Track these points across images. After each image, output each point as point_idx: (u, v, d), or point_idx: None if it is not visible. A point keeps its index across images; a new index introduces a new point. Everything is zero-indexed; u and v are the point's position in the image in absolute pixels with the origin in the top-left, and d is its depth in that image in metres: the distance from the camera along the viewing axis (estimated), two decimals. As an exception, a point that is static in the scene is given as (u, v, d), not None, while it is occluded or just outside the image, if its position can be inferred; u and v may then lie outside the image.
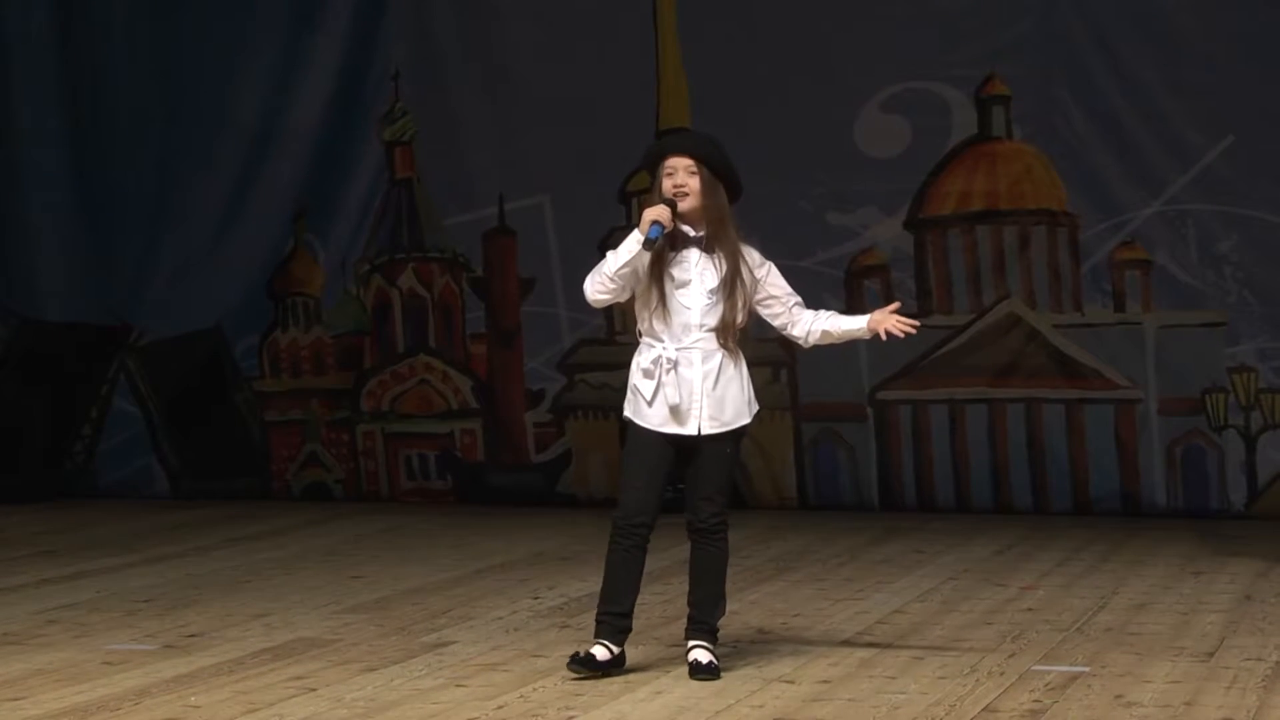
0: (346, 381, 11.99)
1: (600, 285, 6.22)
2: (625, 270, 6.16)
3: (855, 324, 6.41)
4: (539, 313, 11.17)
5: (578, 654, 6.28)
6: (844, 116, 10.80)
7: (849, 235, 10.89)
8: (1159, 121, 10.34)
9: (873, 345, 10.79)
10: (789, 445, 11.06)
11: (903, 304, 6.81)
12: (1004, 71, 10.60)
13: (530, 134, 11.29)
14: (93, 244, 12.24)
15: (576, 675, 6.21)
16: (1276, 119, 10.12)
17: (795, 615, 7.51)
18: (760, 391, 11.19)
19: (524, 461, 11.58)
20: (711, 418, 6.25)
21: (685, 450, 6.28)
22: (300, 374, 12.07)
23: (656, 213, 6.16)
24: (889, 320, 6.33)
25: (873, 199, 10.84)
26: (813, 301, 10.79)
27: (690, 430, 6.24)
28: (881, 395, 10.89)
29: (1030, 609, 7.54)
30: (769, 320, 6.45)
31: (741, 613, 7.51)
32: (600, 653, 6.26)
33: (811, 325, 6.42)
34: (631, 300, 6.30)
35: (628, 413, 6.34)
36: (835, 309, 6.57)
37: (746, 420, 6.34)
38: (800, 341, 6.47)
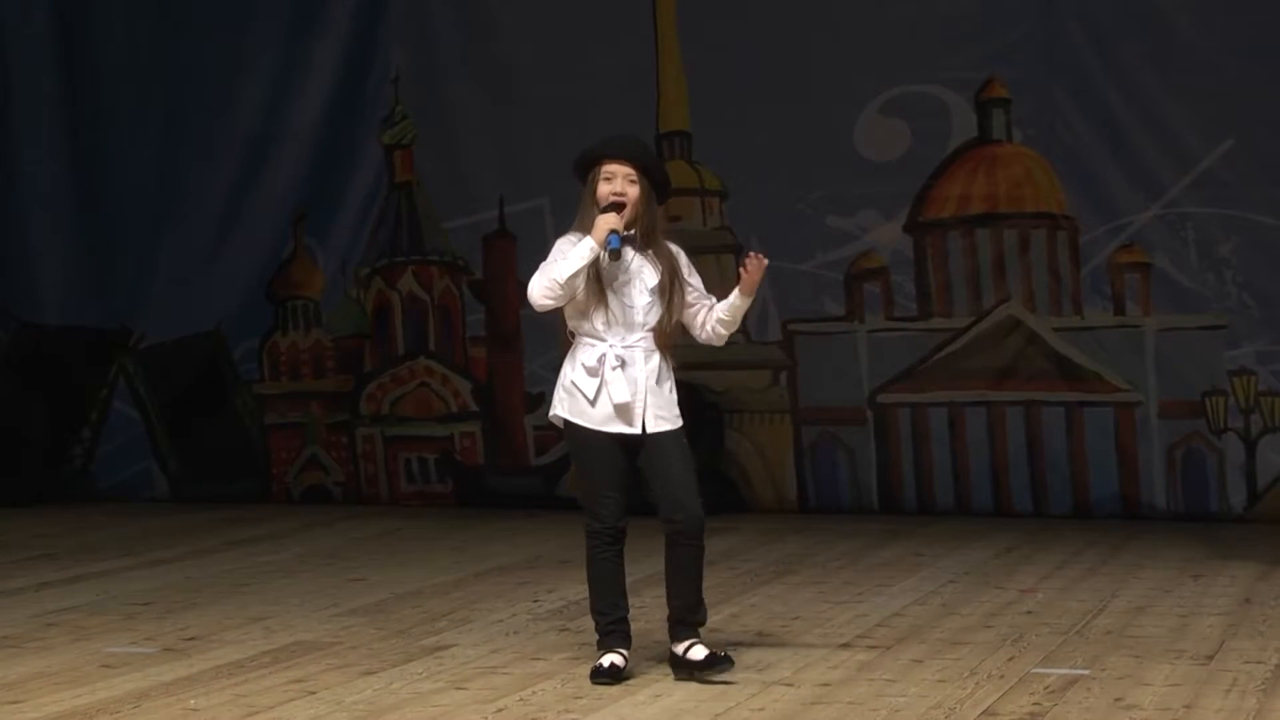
0: (346, 385, 11.98)
1: (549, 290, 6.15)
2: (577, 278, 6.13)
3: (732, 299, 6.32)
4: (539, 316, 11.04)
5: (600, 666, 6.23)
6: (843, 119, 10.80)
7: (848, 238, 10.89)
8: (1159, 124, 10.34)
9: (872, 349, 10.98)
10: (788, 448, 11.06)
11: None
12: (1004, 74, 10.59)
13: (530, 137, 11.30)
14: (92, 247, 12.23)
15: (603, 684, 6.17)
16: (1277, 122, 10.11)
17: (795, 618, 7.51)
18: (760, 395, 11.26)
19: (523, 465, 11.58)
20: (657, 416, 6.22)
21: (630, 449, 6.24)
22: (300, 377, 12.07)
23: (612, 221, 6.14)
24: (744, 278, 6.25)
25: (872, 202, 10.84)
26: (813, 306, 10.90)
27: (636, 428, 6.21)
28: (881, 398, 10.89)
29: (1030, 612, 7.54)
30: (688, 323, 6.39)
31: (741, 616, 7.51)
32: (620, 661, 6.25)
33: (713, 326, 6.38)
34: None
35: (563, 414, 6.26)
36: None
37: (681, 423, 6.31)
38: (712, 340, 6.44)
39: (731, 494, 11.07)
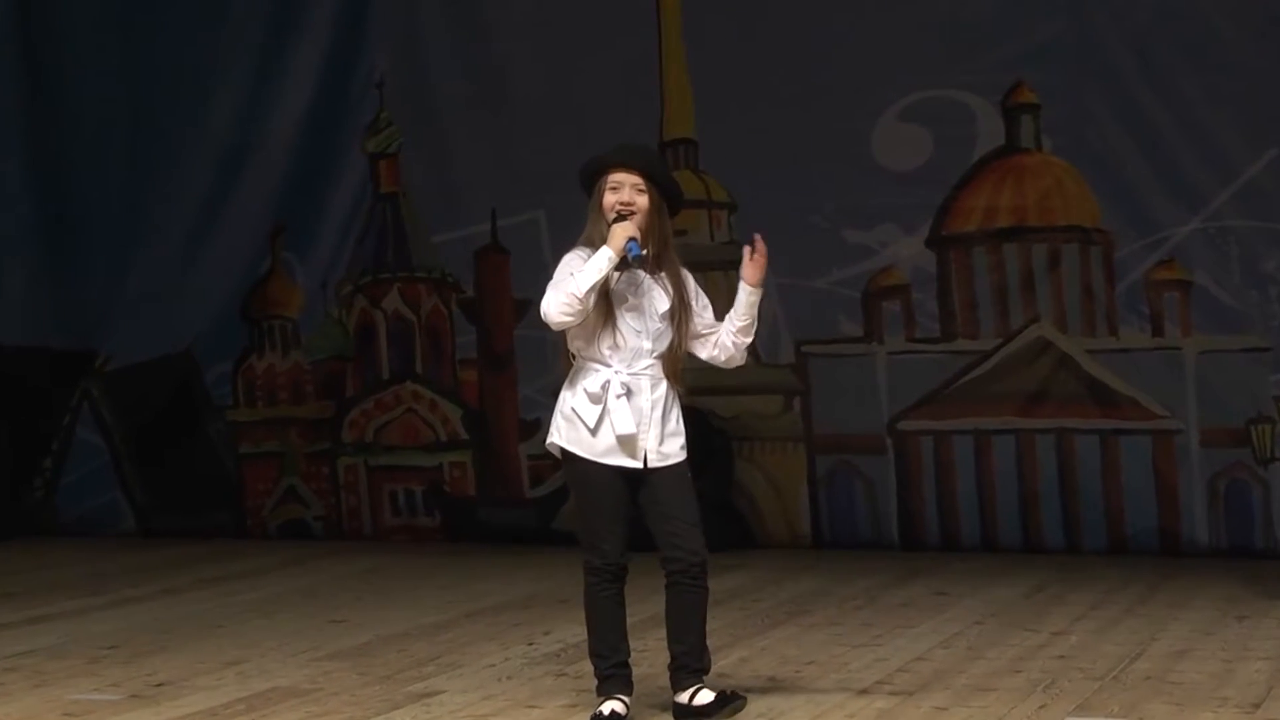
0: (327, 411, 11.99)
1: (567, 306, 6.11)
2: (594, 291, 6.10)
3: (740, 296, 6.32)
4: (534, 337, 11.15)
5: (600, 715, 6.20)
6: (860, 126, 10.80)
7: (866, 254, 10.89)
8: (1199, 131, 10.33)
9: (892, 372, 10.98)
10: (802, 479, 11.05)
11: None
12: (1032, 78, 10.60)
13: (525, 144, 11.31)
14: (55, 262, 12.25)
15: None
16: (1326, 129, 10.13)
17: (809, 663, 7.49)
18: (772, 421, 11.24)
19: (518, 497, 11.58)
20: (658, 450, 6.21)
21: (632, 482, 6.23)
22: (277, 403, 12.07)
23: (629, 229, 6.13)
24: (748, 265, 6.24)
25: (892, 215, 10.84)
26: (828, 326, 10.88)
27: (637, 462, 6.20)
28: (902, 425, 10.88)
29: (1062, 656, 7.52)
30: (698, 352, 6.39)
31: (751, 660, 7.49)
32: (621, 708, 6.23)
33: (730, 337, 6.37)
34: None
35: (561, 442, 6.25)
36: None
37: (685, 456, 6.29)
38: (729, 361, 6.42)
39: (740, 528, 11.06)
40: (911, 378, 10.84)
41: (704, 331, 6.37)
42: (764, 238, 6.35)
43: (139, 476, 12.29)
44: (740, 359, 6.46)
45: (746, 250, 6.30)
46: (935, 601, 9.01)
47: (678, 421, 6.28)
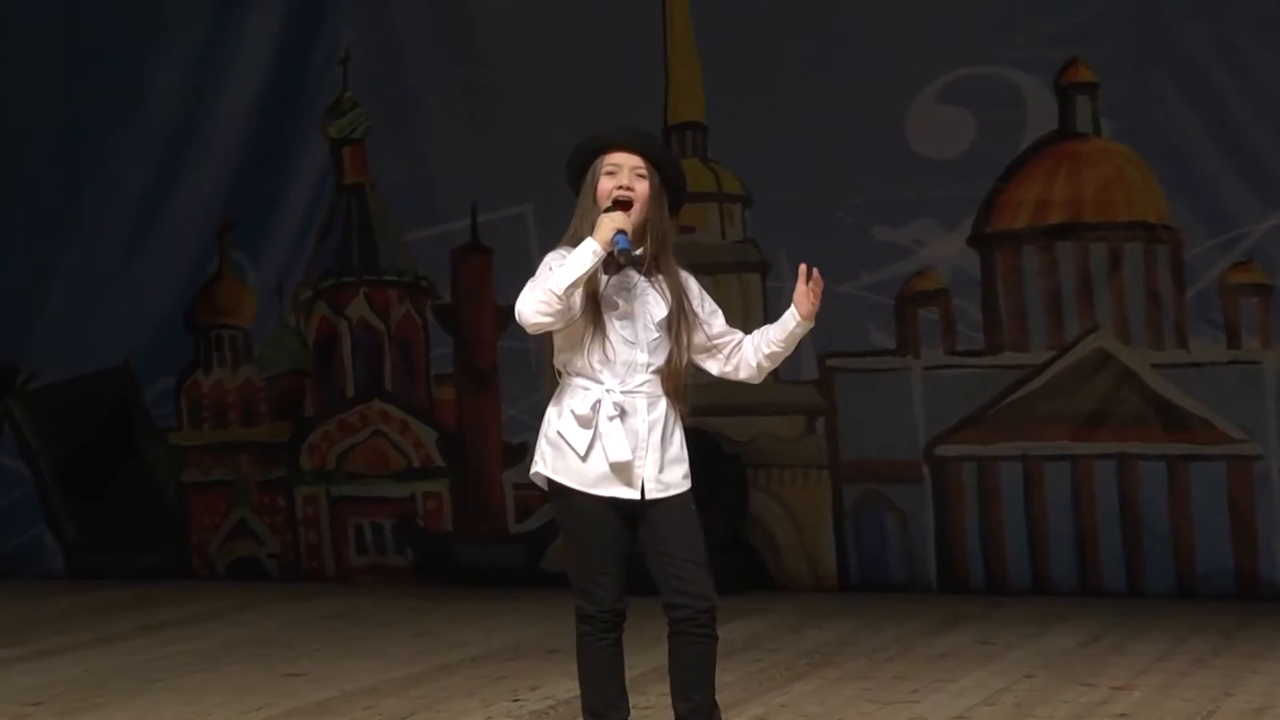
0: (283, 433, 12.00)
1: (544, 304, 6.04)
2: (576, 288, 6.05)
3: (786, 323, 6.29)
4: (520, 348, 11.17)
5: None
6: (893, 109, 10.81)
7: (899, 254, 10.90)
8: (1280, 113, 10.38)
9: (929, 389, 10.99)
10: (826, 511, 11.06)
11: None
12: (1090, 54, 10.61)
13: (510, 129, 11.33)
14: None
15: None
16: None
17: (835, 721, 7.51)
18: (792, 446, 11.24)
19: (501, 532, 11.59)
20: (657, 479, 6.17)
21: (629, 516, 6.21)
22: (226, 424, 12.09)
23: (618, 220, 6.09)
24: (804, 295, 6.23)
25: (929, 209, 10.85)
26: (856, 337, 10.88)
27: (634, 493, 6.18)
28: (940, 450, 10.89)
29: (1124, 715, 7.53)
30: (708, 366, 6.35)
31: (769, 718, 7.49)
32: None
33: (757, 354, 6.35)
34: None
35: (547, 471, 6.20)
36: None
37: (689, 485, 6.26)
38: (749, 378, 6.41)
39: (756, 568, 11.07)
40: (951, 396, 10.84)
41: (715, 342, 6.31)
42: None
43: (68, 509, 12.30)
44: (759, 379, 6.44)
45: (803, 271, 6.27)
46: (979, 652, 9.02)
47: (681, 446, 6.25)
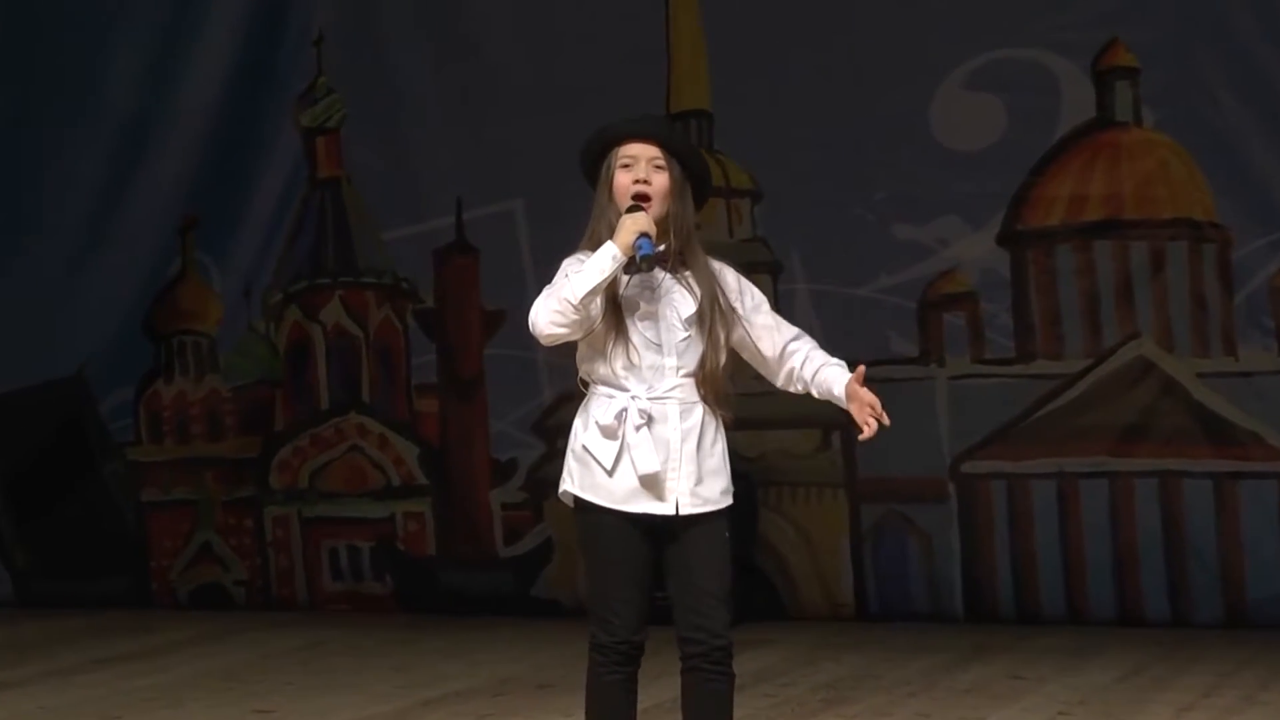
0: (251, 449, 12.00)
1: (559, 314, 6.02)
2: (595, 296, 6.04)
3: (831, 389, 6.34)
4: (509, 356, 11.18)
5: None
6: (915, 96, 10.83)
7: (923, 254, 10.91)
8: (1338, 102, 10.39)
9: (955, 401, 10.99)
10: (843, 534, 11.07)
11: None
12: (1130, 35, 10.62)
13: (498, 120, 11.33)
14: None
15: None
16: None
17: (852, 763, 7.51)
18: (806, 462, 11.23)
19: (489, 556, 11.58)
20: (692, 492, 6.15)
21: (657, 536, 6.18)
22: (189, 439, 12.09)
23: (640, 222, 6.07)
24: (863, 411, 6.26)
25: (955, 206, 10.87)
26: (875, 344, 10.85)
27: (667, 508, 6.14)
28: (967, 467, 10.89)
29: (1168, 755, 7.53)
30: (754, 362, 6.34)
31: (780, 760, 7.50)
32: None
33: (789, 377, 6.34)
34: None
35: (574, 489, 6.16)
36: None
37: (730, 502, 6.24)
38: (786, 384, 6.40)
39: (767, 595, 11.08)
40: (979, 408, 10.85)
41: (761, 328, 6.29)
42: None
43: (18, 532, 12.30)
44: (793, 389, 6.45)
45: (861, 371, 6.28)
46: (1009, 687, 9.03)
47: (722, 458, 6.20)
